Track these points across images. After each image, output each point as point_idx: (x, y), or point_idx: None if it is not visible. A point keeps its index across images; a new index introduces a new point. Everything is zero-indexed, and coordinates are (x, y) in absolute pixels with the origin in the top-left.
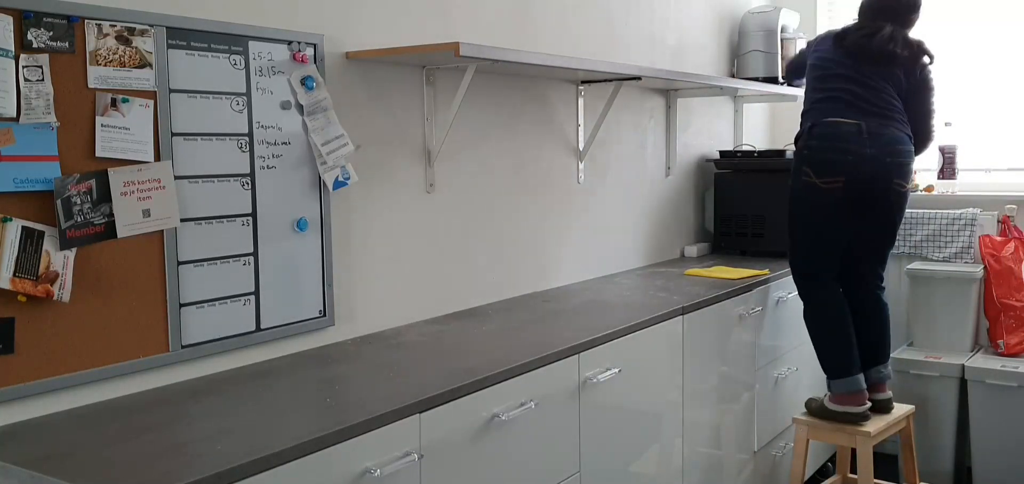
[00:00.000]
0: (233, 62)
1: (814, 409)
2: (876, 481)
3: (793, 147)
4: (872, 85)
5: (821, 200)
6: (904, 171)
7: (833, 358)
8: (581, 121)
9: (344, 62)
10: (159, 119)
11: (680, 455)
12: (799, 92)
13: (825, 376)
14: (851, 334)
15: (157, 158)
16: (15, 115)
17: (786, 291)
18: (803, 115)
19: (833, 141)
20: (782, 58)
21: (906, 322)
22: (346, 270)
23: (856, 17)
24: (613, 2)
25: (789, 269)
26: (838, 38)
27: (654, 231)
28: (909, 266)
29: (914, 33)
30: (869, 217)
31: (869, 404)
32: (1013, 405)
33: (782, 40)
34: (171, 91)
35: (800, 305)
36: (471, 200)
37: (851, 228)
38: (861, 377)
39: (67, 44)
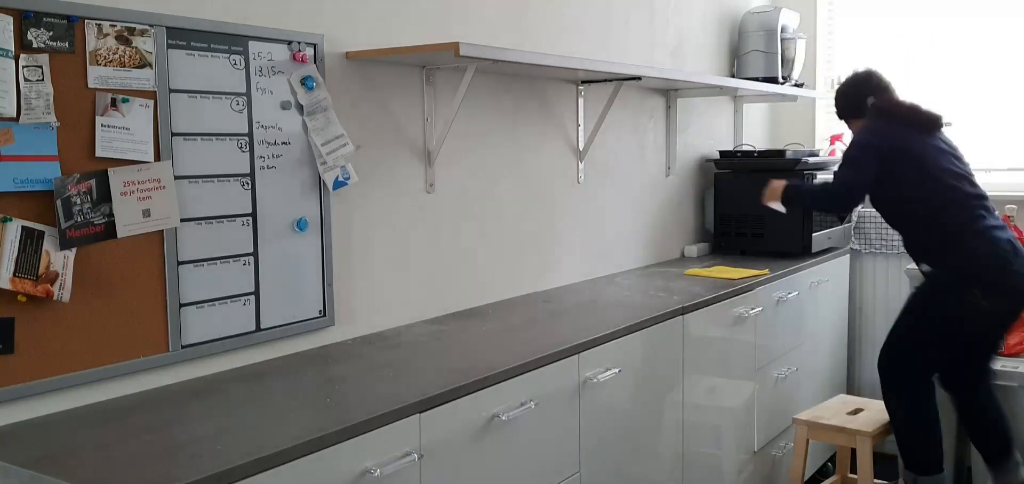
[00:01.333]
0: (233, 62)
1: None
2: (876, 481)
3: (799, 146)
4: (972, 179)
5: (980, 319)
6: None
7: (925, 457)
8: (581, 121)
9: (344, 62)
10: (159, 119)
11: (680, 455)
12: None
13: (908, 469)
14: (940, 432)
15: (157, 158)
16: (15, 115)
17: (786, 291)
18: (936, 228)
19: (1006, 261)
20: (782, 58)
21: None
22: (346, 270)
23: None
24: (613, 2)
25: (882, 354)
26: (910, 121)
27: (654, 231)
28: (909, 266)
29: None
30: (1006, 326)
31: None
32: (1013, 405)
33: (782, 40)
34: (171, 91)
35: (800, 305)
36: (471, 200)
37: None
38: (944, 476)
39: (67, 44)
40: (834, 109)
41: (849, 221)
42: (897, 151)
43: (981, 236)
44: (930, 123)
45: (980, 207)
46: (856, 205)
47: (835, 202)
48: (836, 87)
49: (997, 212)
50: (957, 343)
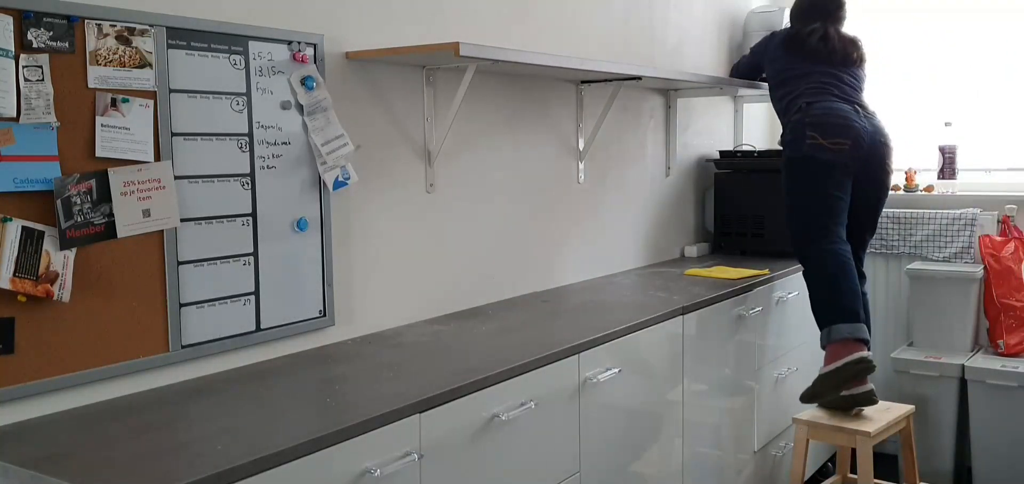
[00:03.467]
0: (233, 62)
1: (809, 393)
2: (876, 481)
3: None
4: (848, 82)
5: (828, 160)
6: (890, 160)
7: (839, 303)
8: (581, 121)
9: (344, 62)
10: (159, 119)
11: (680, 455)
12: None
13: (822, 327)
14: (854, 282)
15: (157, 158)
16: (15, 115)
17: (786, 291)
18: (789, 102)
19: (835, 114)
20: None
21: (906, 322)
22: (346, 270)
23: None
24: (613, 2)
25: (793, 250)
26: (790, 43)
27: (654, 231)
28: (909, 266)
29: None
30: (863, 198)
31: (867, 353)
32: (1013, 405)
33: None
34: (171, 91)
35: (800, 305)
36: (471, 200)
37: (847, 199)
38: (863, 326)
39: (67, 44)
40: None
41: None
42: (780, 60)
43: (822, 93)
44: (828, 57)
45: (831, 83)
46: (745, 76)
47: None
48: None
49: (859, 96)
50: (832, 202)
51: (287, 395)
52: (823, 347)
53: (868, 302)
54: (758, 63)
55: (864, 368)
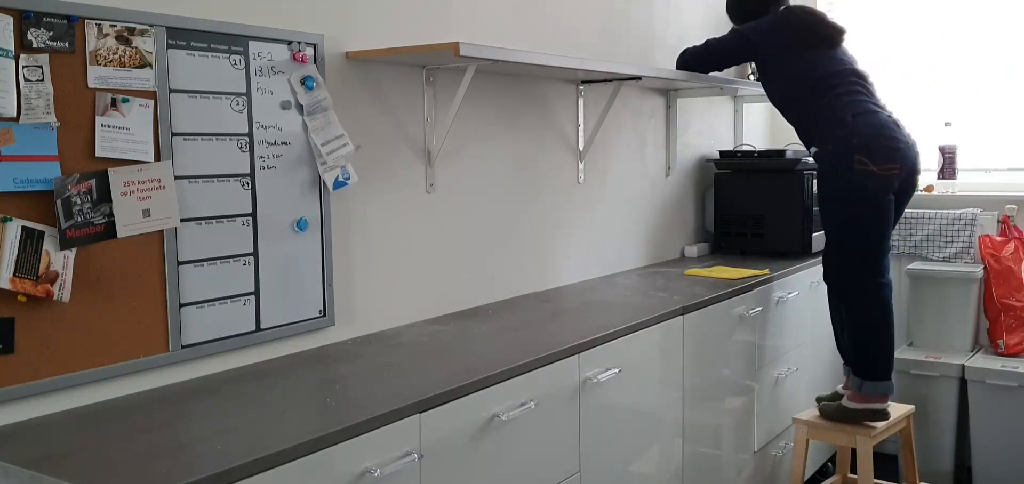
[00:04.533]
0: (233, 62)
1: (833, 412)
2: (876, 481)
3: (794, 145)
4: (863, 74)
5: (878, 186)
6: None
7: (883, 358)
8: (581, 121)
9: (344, 62)
10: (159, 119)
11: (680, 455)
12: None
13: (857, 374)
14: (893, 332)
15: (157, 158)
16: (15, 115)
17: (786, 291)
18: (821, 110)
19: (884, 134)
20: None
21: (906, 322)
22: (346, 270)
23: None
24: (613, 2)
25: (828, 271)
26: (813, 33)
27: (654, 231)
28: (909, 266)
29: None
30: (897, 209)
31: (890, 401)
32: (1013, 405)
33: None
34: (171, 91)
35: (800, 305)
36: (471, 200)
37: (893, 223)
38: (892, 383)
39: (67, 44)
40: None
41: None
42: (778, 52)
43: (859, 106)
44: (829, 40)
45: (860, 87)
46: (719, 69)
47: (696, 63)
48: None
49: (879, 97)
50: (883, 229)
51: (287, 395)
52: (850, 380)
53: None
54: (745, 51)
55: (883, 415)
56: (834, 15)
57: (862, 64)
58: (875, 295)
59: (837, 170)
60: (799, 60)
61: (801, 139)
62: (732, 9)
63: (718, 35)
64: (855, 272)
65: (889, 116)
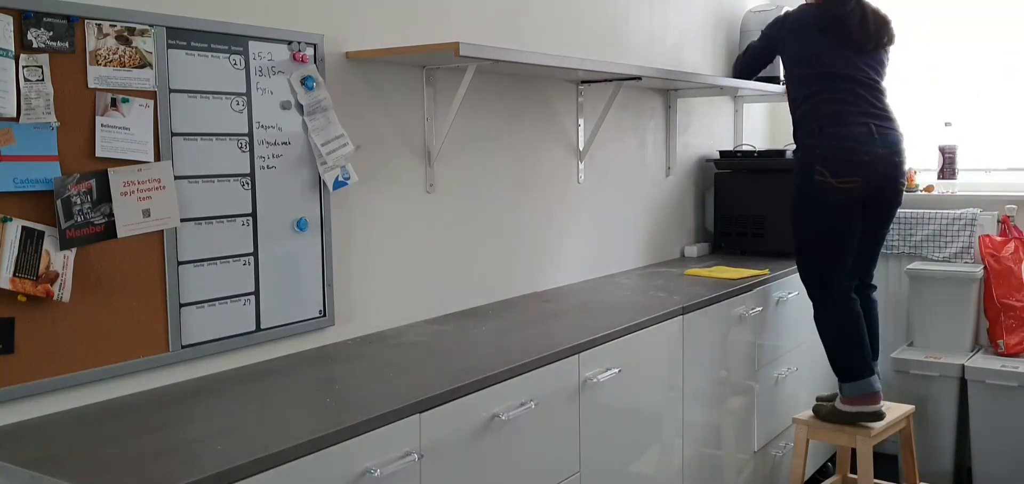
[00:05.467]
0: (233, 62)
1: (825, 413)
2: (876, 481)
3: (793, 145)
4: (869, 81)
5: (837, 201)
6: (903, 178)
7: (850, 361)
8: (581, 121)
9: (344, 62)
10: (159, 119)
11: (680, 455)
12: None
13: (837, 379)
14: (865, 336)
15: (157, 158)
16: (15, 115)
17: (786, 291)
18: (802, 113)
19: (847, 142)
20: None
21: (906, 322)
22: (346, 270)
23: None
24: (613, 2)
25: (797, 272)
26: (818, 25)
27: (654, 231)
28: (909, 266)
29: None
30: (875, 218)
31: (879, 403)
32: (1013, 405)
33: None
34: (171, 91)
35: (800, 305)
36: (471, 200)
37: (859, 229)
38: (875, 378)
39: (67, 44)
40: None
41: None
42: (798, 46)
43: (834, 118)
44: (861, 43)
45: (848, 96)
46: (754, 72)
47: (739, 69)
48: None
49: (880, 104)
50: (841, 241)
51: (287, 395)
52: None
53: (877, 316)
54: (772, 48)
55: (876, 416)
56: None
57: (887, 76)
58: (836, 303)
59: (800, 178)
60: (804, 52)
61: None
62: None
63: (717, 35)
64: (816, 280)
65: (867, 128)
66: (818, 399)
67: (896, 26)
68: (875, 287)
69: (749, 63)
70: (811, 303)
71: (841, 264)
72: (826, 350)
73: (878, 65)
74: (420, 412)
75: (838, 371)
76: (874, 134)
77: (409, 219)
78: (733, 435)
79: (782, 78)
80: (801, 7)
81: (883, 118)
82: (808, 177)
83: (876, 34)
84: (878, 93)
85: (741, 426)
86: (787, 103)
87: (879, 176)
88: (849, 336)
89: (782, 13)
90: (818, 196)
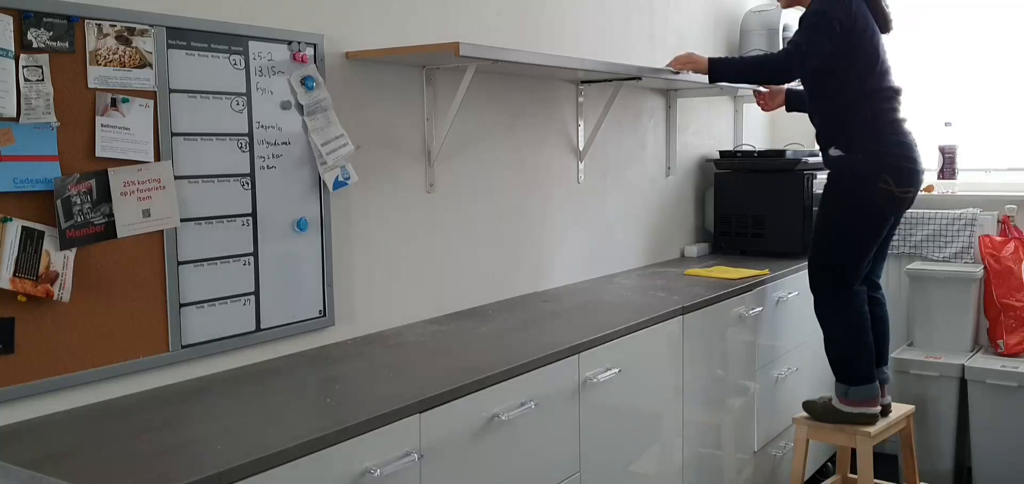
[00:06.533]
0: (233, 62)
1: (818, 410)
2: (876, 481)
3: (799, 146)
4: (892, 69)
5: (890, 208)
6: None
7: (860, 365)
8: (581, 121)
9: (344, 62)
10: (159, 119)
11: (680, 455)
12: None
13: (840, 381)
14: (871, 337)
15: (157, 158)
16: (15, 115)
17: (786, 291)
18: (864, 117)
19: (909, 150)
20: None
21: (906, 322)
22: (346, 270)
23: None
24: (613, 2)
25: (810, 267)
26: (867, 10)
27: (654, 231)
28: (909, 266)
29: None
30: (898, 219)
31: (882, 404)
32: (1013, 405)
33: (784, 39)
34: (171, 91)
35: (800, 305)
36: (471, 200)
37: None
38: (876, 385)
39: (67, 44)
40: None
41: None
42: (857, 29)
43: (895, 126)
44: (885, 23)
45: (896, 99)
46: (797, 77)
47: (777, 73)
48: None
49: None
50: (871, 243)
51: (287, 395)
52: (836, 386)
53: (887, 316)
54: (834, 35)
55: (874, 418)
56: None
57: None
58: (853, 302)
59: (858, 182)
60: (871, 47)
61: (818, 134)
62: None
63: (716, 35)
64: (837, 278)
65: (912, 134)
66: (807, 404)
67: (897, 28)
68: (879, 287)
69: (807, 62)
70: (816, 300)
71: (864, 264)
72: (830, 348)
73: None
74: (420, 412)
75: (841, 371)
76: (913, 140)
77: (409, 219)
78: (733, 435)
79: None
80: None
81: (906, 122)
82: (870, 184)
83: (889, 11)
84: (900, 89)
85: (741, 426)
86: (815, 100)
87: (920, 184)
88: (858, 336)
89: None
90: (876, 203)
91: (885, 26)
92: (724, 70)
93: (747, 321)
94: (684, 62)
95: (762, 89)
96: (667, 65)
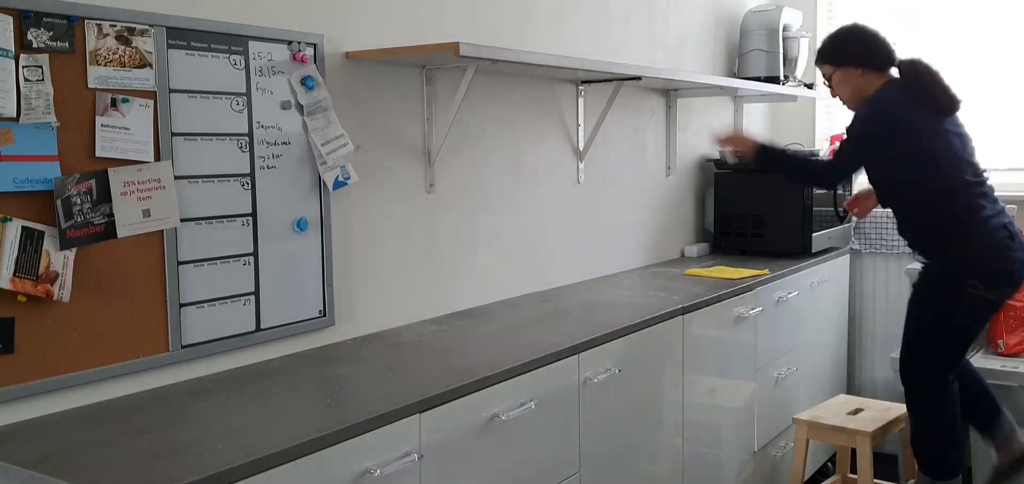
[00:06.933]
0: (233, 62)
1: None
2: (876, 481)
3: (799, 146)
4: (976, 161)
5: (986, 312)
6: None
7: (945, 460)
8: (581, 121)
9: (344, 62)
10: (159, 119)
11: (680, 455)
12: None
13: (925, 473)
14: (962, 429)
15: (157, 158)
16: (15, 115)
17: (786, 291)
18: (939, 222)
19: (1003, 250)
20: (785, 58)
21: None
22: (346, 270)
23: (867, 59)
24: (613, 2)
25: (901, 365)
26: (914, 102)
27: (654, 231)
28: (909, 266)
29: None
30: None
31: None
32: (1013, 405)
33: (784, 39)
34: (171, 91)
35: (800, 305)
36: (471, 200)
37: None
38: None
39: (67, 44)
40: (823, 53)
41: (847, 221)
42: (903, 137)
43: (980, 226)
44: (949, 105)
45: (980, 194)
46: (838, 186)
47: (821, 184)
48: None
49: (996, 194)
50: (967, 337)
51: (287, 395)
52: (919, 477)
53: (977, 373)
54: (865, 153)
55: None
56: (836, 18)
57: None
58: (948, 399)
59: (947, 284)
60: (917, 142)
61: (902, 229)
62: (834, 47)
63: (717, 35)
64: (934, 378)
65: (1008, 224)
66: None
67: (897, 28)
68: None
69: (828, 183)
70: (905, 391)
71: (957, 362)
72: (925, 445)
73: (966, 134)
74: (420, 412)
75: (938, 469)
76: (1013, 233)
77: (409, 219)
78: (733, 435)
79: (865, 179)
80: (882, 91)
81: (1002, 207)
82: (957, 289)
83: (953, 91)
84: (988, 177)
85: (741, 426)
86: (887, 204)
87: (1020, 279)
88: (952, 434)
89: (867, 110)
90: (966, 306)
91: (948, 107)
92: (770, 161)
93: (747, 321)
94: (733, 140)
95: (852, 194)
96: (715, 140)
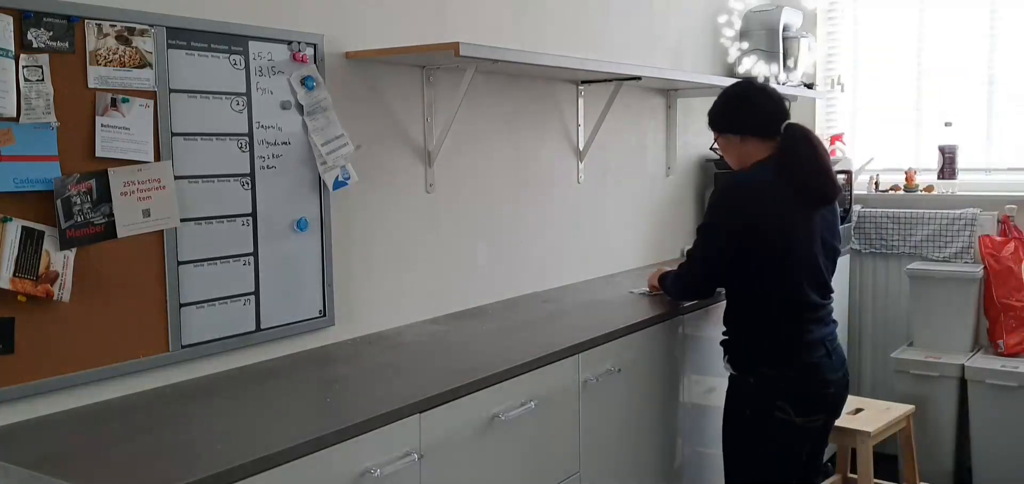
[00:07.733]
0: (233, 62)
1: None
2: (876, 481)
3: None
4: (823, 265)
5: (794, 439)
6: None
7: None
8: (581, 121)
9: (344, 62)
10: (159, 119)
11: (680, 455)
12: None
13: None
14: None
15: (157, 158)
16: (15, 115)
17: None
18: (756, 329)
19: (815, 378)
20: (785, 57)
21: (906, 322)
22: (346, 270)
23: (731, 126)
24: (613, 2)
25: None
26: (786, 173)
27: (654, 231)
28: (909, 266)
29: None
30: (824, 434)
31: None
32: (1013, 405)
33: (785, 39)
34: (171, 91)
35: None
36: (471, 200)
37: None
38: None
39: (67, 44)
40: (709, 116)
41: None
42: (749, 232)
43: (799, 335)
44: (819, 198)
45: (808, 293)
46: (711, 293)
47: (688, 292)
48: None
49: (830, 308)
50: (776, 468)
51: (287, 395)
52: None
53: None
54: (734, 245)
55: None
56: (837, 23)
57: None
58: None
59: (752, 406)
60: (773, 236)
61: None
62: (715, 112)
63: (717, 35)
64: None
65: (823, 348)
66: None
67: (898, 28)
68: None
69: (694, 293)
70: None
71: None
72: None
73: (831, 230)
74: (420, 412)
75: None
76: (831, 354)
77: (409, 219)
78: None
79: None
80: (752, 169)
81: (832, 322)
82: (765, 410)
83: (828, 179)
84: (829, 282)
85: None
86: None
87: (835, 403)
88: None
89: (716, 195)
90: (771, 433)
91: (817, 200)
92: (668, 288)
93: None
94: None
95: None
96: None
